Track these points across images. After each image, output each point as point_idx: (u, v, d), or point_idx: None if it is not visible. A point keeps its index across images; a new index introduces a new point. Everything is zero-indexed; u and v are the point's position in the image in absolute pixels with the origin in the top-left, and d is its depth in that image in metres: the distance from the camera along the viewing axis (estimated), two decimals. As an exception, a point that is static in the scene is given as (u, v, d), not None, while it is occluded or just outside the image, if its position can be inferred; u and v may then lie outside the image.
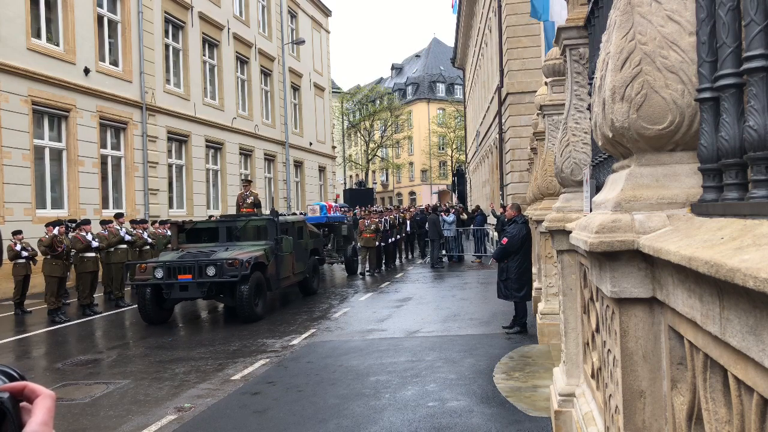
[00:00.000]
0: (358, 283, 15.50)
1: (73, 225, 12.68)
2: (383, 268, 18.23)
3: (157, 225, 15.54)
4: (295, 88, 32.20)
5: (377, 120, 62.39)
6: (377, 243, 17.51)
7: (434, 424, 5.15)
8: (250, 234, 11.51)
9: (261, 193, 27.44)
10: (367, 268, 17.37)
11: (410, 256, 23.07)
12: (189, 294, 10.09)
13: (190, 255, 10.33)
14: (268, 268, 10.76)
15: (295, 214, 18.11)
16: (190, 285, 9.90)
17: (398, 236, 20.24)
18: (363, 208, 25.49)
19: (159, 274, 9.97)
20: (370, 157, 62.26)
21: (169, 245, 12.30)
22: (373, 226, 17.23)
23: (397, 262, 20.47)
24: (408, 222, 22.81)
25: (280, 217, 12.02)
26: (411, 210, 27.60)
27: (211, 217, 18.23)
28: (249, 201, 13.52)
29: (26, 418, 0.72)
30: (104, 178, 17.96)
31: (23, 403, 0.74)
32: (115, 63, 18.77)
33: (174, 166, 21.58)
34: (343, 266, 17.94)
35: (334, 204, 19.60)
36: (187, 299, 10.79)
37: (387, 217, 19.22)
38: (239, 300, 9.95)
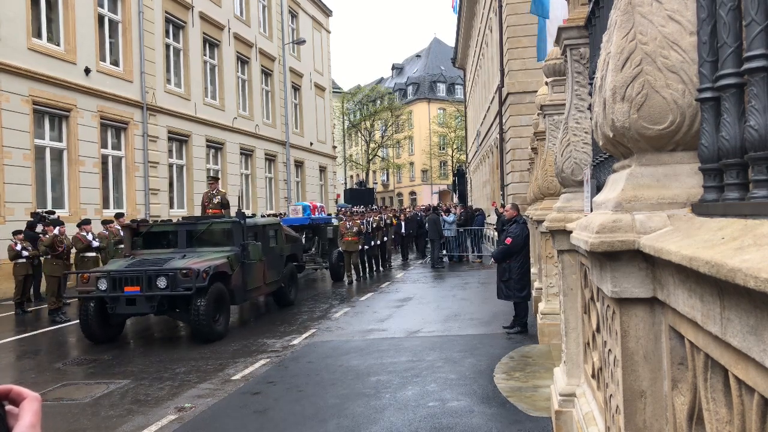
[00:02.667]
0: (357, 284, 15.47)
1: (51, 217, 12.51)
2: (367, 274, 16.81)
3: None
4: (296, 88, 32.20)
5: (378, 120, 62.42)
6: (360, 247, 16.05)
7: (435, 424, 5.15)
8: (214, 238, 10.09)
9: (262, 193, 27.51)
10: (353, 275, 15.83)
11: (405, 259, 21.61)
12: (137, 309, 8.82)
13: (140, 263, 9.10)
14: (232, 278, 9.44)
15: (254, 215, 16.42)
16: (137, 298, 8.65)
17: (384, 238, 18.68)
18: (354, 208, 24.24)
19: (103, 285, 8.70)
20: (370, 157, 62.27)
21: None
22: (355, 229, 15.78)
23: (385, 267, 18.88)
24: (404, 223, 22.09)
25: (250, 219, 10.83)
26: (407, 210, 27.43)
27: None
28: (216, 201, 12.13)
29: (12, 422, 0.72)
30: (105, 178, 17.96)
31: (9, 407, 0.74)
32: (115, 63, 18.78)
33: (174, 166, 21.58)
34: (328, 272, 16.48)
35: (318, 204, 17.96)
36: (134, 315, 9.37)
37: (370, 219, 17.70)
38: (195, 316, 8.58)
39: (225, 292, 9.23)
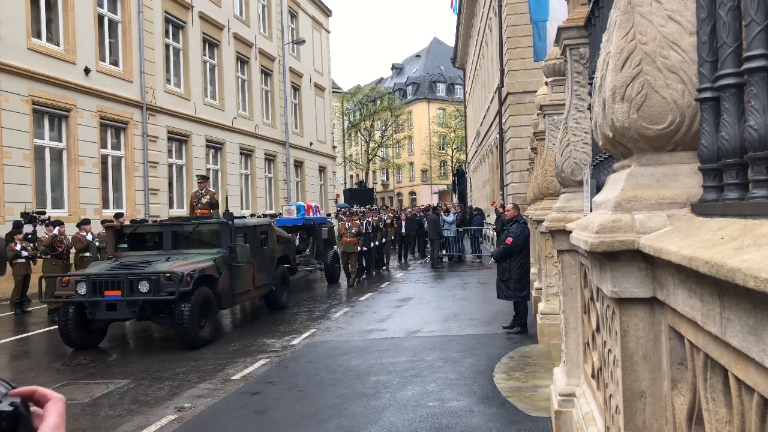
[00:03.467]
0: (356, 284, 15.45)
1: (42, 217, 12.39)
2: (364, 276, 16.27)
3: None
4: (296, 88, 32.20)
5: (377, 120, 62.40)
6: (359, 248, 15.50)
7: (434, 424, 5.15)
8: (201, 240, 9.70)
9: (261, 193, 27.50)
10: (351, 277, 15.23)
11: (403, 260, 21.15)
12: (118, 314, 8.47)
13: (122, 266, 8.66)
14: (218, 281, 9.06)
15: (254, 215, 15.61)
16: (118, 303, 8.27)
17: (383, 239, 18.25)
18: (354, 208, 23.55)
19: (82, 289, 8.31)
20: (370, 157, 62.26)
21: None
22: (354, 230, 15.20)
23: (383, 269, 18.42)
24: (404, 223, 21.83)
25: (239, 220, 10.45)
26: (407, 210, 27.29)
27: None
28: (204, 201, 11.63)
29: (37, 422, 0.73)
30: (104, 178, 17.96)
31: (33, 408, 0.75)
32: (115, 63, 18.77)
33: (174, 166, 21.58)
34: (323, 274, 15.90)
35: (313, 204, 17.32)
36: (116, 320, 9.04)
37: (370, 219, 17.11)
38: (178, 322, 8.22)
39: (211, 297, 8.84)
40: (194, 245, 9.63)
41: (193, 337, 8.34)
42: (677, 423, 1.86)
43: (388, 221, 19.68)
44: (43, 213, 12.87)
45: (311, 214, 16.26)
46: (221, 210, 11.48)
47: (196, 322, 8.38)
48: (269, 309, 11.54)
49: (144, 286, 8.19)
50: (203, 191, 11.92)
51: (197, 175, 13.69)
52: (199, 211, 11.53)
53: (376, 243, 17.45)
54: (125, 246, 9.90)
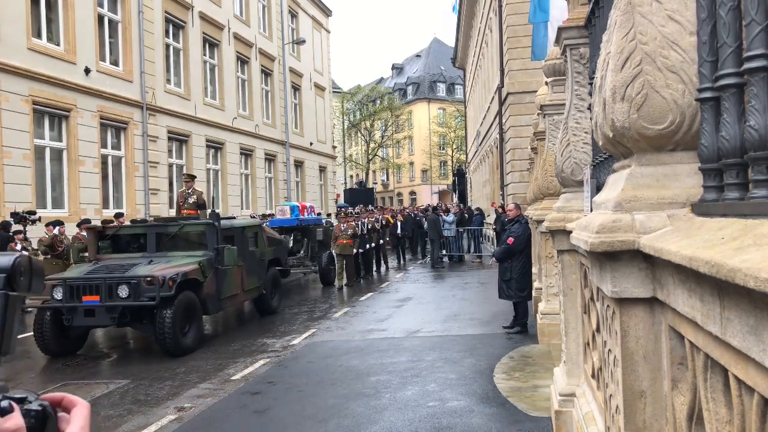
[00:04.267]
0: (356, 285, 15.45)
1: (32, 217, 12.31)
2: (361, 279, 15.98)
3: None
4: (296, 88, 32.19)
5: (378, 120, 62.38)
6: (355, 250, 15.20)
7: (434, 424, 5.15)
8: (187, 242, 9.30)
9: (262, 193, 27.50)
10: (344, 281, 14.85)
11: (402, 262, 20.75)
12: (96, 321, 8.00)
13: (102, 270, 8.22)
14: (204, 285, 8.64)
15: (253, 216, 15.12)
16: (97, 309, 7.82)
17: (380, 241, 17.99)
18: (349, 209, 23.01)
19: (58, 294, 7.86)
20: (370, 156, 62.24)
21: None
22: (350, 231, 14.89)
23: (382, 270, 18.38)
24: (399, 224, 21.41)
25: (226, 221, 10.11)
26: (405, 210, 27.14)
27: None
28: (191, 201, 11.26)
29: (64, 426, 0.79)
30: (105, 178, 17.94)
31: (61, 414, 0.81)
32: (115, 63, 18.77)
33: (174, 166, 21.57)
34: (318, 276, 15.54)
35: (308, 204, 16.94)
36: (94, 327, 8.62)
37: (365, 220, 16.77)
38: (160, 329, 7.76)
39: (195, 302, 8.43)
40: (179, 247, 9.23)
41: (175, 345, 7.93)
42: (677, 423, 1.86)
43: (384, 221, 19.34)
44: (33, 213, 12.82)
45: (306, 214, 15.84)
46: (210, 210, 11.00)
47: (179, 328, 7.97)
48: (259, 313, 11.17)
49: (123, 291, 7.80)
50: (190, 191, 11.54)
51: (184, 174, 13.12)
52: (185, 211, 11.17)
53: (372, 244, 17.14)
54: (108, 248, 9.56)
